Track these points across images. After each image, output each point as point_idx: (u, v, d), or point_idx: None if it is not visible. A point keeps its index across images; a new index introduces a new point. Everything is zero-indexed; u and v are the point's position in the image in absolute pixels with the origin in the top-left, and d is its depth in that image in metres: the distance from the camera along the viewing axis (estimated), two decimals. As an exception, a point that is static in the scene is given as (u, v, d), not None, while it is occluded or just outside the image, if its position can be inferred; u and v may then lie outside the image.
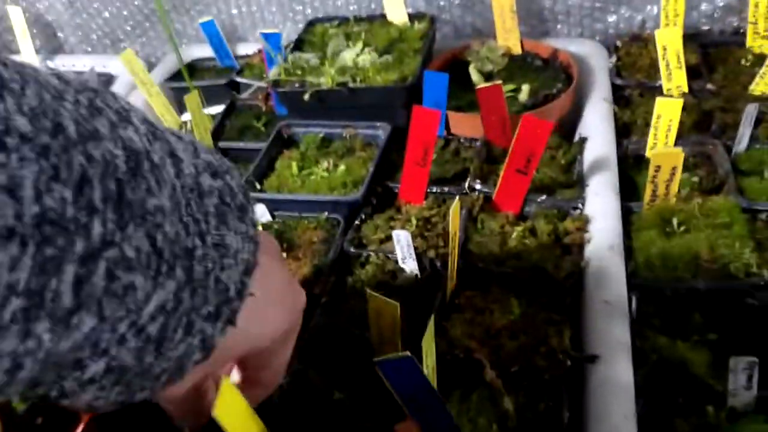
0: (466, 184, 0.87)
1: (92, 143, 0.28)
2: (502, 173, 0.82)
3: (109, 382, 0.32)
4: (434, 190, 0.89)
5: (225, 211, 0.36)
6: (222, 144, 1.07)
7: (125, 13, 1.37)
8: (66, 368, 0.30)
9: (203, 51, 1.32)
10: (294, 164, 0.97)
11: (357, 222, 0.86)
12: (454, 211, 0.69)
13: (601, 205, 0.81)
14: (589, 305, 0.70)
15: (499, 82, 0.90)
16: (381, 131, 0.99)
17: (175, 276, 0.32)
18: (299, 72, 1.03)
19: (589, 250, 0.76)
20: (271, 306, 0.43)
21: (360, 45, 1.05)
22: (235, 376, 0.50)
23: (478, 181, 0.87)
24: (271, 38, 1.06)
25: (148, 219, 0.30)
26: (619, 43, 1.11)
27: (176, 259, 0.32)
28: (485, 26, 1.19)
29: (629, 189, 0.86)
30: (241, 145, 1.07)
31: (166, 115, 1.14)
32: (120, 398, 0.34)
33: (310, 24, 1.17)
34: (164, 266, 0.31)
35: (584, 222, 0.80)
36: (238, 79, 1.17)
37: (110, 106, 0.31)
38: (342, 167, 0.95)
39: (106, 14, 1.37)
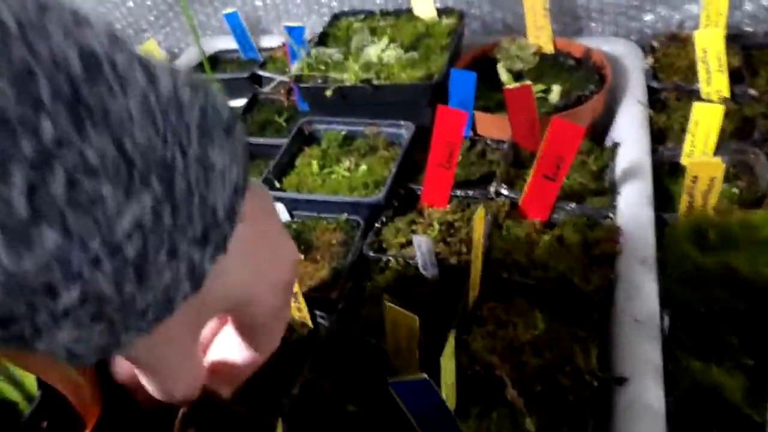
0: (492, 189, 0.84)
1: (38, 40, 0.26)
2: (529, 179, 0.79)
3: (86, 316, 0.29)
4: (458, 193, 0.86)
5: (208, 126, 0.33)
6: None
7: (149, 2, 1.35)
8: (37, 295, 0.27)
9: (227, 43, 1.30)
10: (315, 163, 0.94)
11: (377, 225, 0.84)
12: (479, 218, 0.66)
13: (633, 215, 0.77)
14: (618, 322, 0.67)
15: (529, 82, 0.87)
16: (405, 130, 0.96)
17: (150, 188, 0.29)
18: (322, 67, 1.00)
19: (620, 263, 0.73)
20: (266, 253, 0.40)
21: (385, 40, 1.02)
22: (231, 331, 0.45)
23: (504, 185, 0.83)
24: (295, 32, 1.03)
25: (113, 123, 0.27)
26: (655, 44, 1.06)
27: (151, 169, 0.29)
28: (516, 23, 1.15)
29: (664, 198, 0.82)
30: (261, 140, 1.05)
31: (186, 108, 1.11)
32: (102, 341, 0.31)
33: (335, 17, 1.14)
34: (136, 176, 0.28)
35: (615, 232, 0.76)
36: (261, 73, 1.15)
37: (64, 7, 0.28)
38: (363, 167, 0.92)
39: (130, 3, 1.36)
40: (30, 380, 0.61)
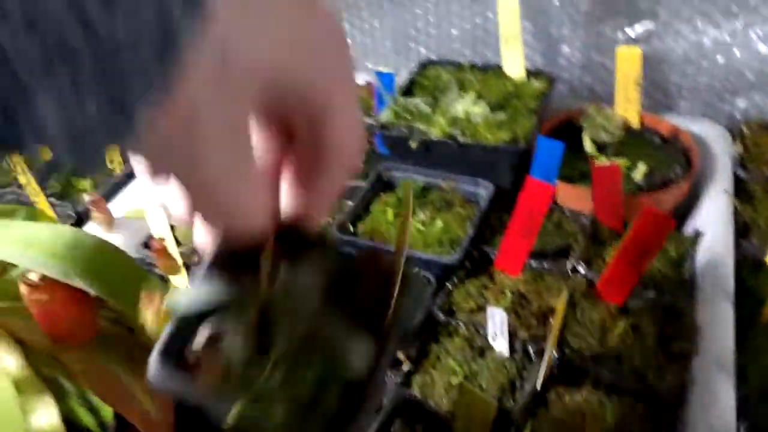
0: (569, 265, 0.83)
1: None
2: (611, 261, 0.78)
3: (55, 60, 0.21)
4: (532, 263, 0.85)
5: None
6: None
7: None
8: None
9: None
10: (390, 211, 0.95)
11: (449, 285, 0.84)
12: (560, 305, 0.65)
13: (712, 313, 0.76)
14: (690, 428, 0.65)
15: (617, 162, 0.86)
16: (483, 190, 0.95)
17: None
18: (408, 116, 1.01)
19: (696, 363, 0.71)
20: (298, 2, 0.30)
21: (473, 96, 1.03)
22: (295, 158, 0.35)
23: (581, 263, 0.83)
24: (385, 78, 1.04)
25: None
26: (746, 130, 1.04)
27: None
28: (604, 91, 1.14)
29: (745, 298, 0.80)
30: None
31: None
32: (100, 108, 0.23)
33: (423, 66, 1.15)
34: None
35: (693, 329, 0.74)
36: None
37: None
38: (439, 222, 0.92)
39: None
40: (106, 408, 0.63)
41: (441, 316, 0.79)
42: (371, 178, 0.99)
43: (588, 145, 1.01)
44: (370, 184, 0.98)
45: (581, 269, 0.82)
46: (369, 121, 1.10)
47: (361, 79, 1.28)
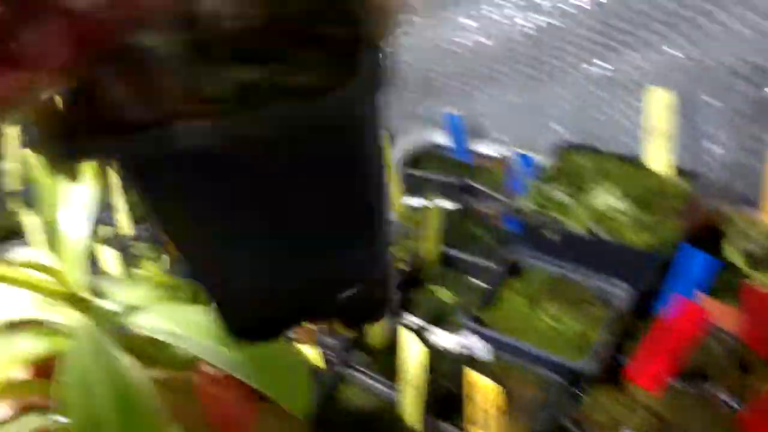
0: (712, 389, 0.79)
1: None
2: (761, 396, 0.73)
3: None
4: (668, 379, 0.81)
5: None
6: (445, 249, 1.06)
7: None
8: None
9: (441, 137, 1.32)
10: (521, 301, 0.93)
11: (577, 391, 0.81)
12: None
13: None
14: None
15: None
16: (620, 291, 0.92)
17: None
18: (545, 203, 0.99)
19: None
20: None
21: (616, 190, 1.00)
22: None
23: (726, 392, 0.78)
24: (525, 159, 1.03)
25: None
26: None
27: None
28: (749, 193, 1.09)
29: None
30: (466, 257, 1.05)
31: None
32: None
33: (563, 149, 1.13)
34: None
35: None
36: (476, 185, 1.16)
37: None
38: (569, 320, 0.90)
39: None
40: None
41: (570, 427, 0.77)
42: (504, 264, 0.98)
43: (737, 259, 0.96)
44: (503, 271, 0.97)
45: (725, 397, 0.78)
46: (498, 197, 1.09)
47: (490, 149, 1.28)
